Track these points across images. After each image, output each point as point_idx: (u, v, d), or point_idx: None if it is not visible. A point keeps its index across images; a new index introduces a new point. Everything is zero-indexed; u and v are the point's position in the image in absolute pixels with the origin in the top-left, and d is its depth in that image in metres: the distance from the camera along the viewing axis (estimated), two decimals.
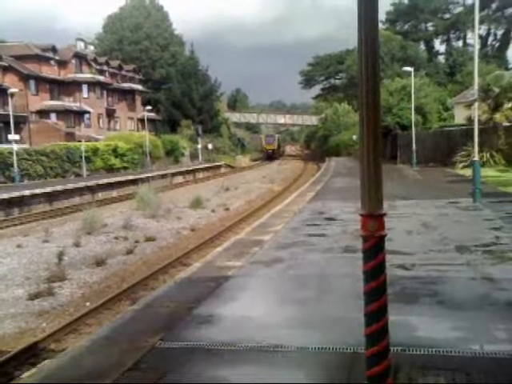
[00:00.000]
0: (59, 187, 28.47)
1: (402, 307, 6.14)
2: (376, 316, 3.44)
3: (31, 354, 7.56)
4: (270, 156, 76.98)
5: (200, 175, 49.11)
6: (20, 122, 47.02)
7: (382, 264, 3.44)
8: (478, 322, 5.72)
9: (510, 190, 18.92)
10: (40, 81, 51.85)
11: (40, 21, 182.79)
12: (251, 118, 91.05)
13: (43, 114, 51.69)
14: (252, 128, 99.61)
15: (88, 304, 9.98)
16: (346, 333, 5.42)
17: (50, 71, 53.58)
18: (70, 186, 29.57)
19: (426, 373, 4.43)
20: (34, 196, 26.03)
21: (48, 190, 27.32)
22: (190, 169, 49.79)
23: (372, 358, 3.47)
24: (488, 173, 24.54)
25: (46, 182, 34.67)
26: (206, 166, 55.09)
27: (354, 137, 56.95)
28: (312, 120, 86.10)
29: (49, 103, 52.50)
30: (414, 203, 16.52)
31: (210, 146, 64.24)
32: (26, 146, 42.61)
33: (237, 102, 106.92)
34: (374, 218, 3.41)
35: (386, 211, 3.46)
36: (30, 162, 36.82)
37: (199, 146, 61.20)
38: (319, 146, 77.28)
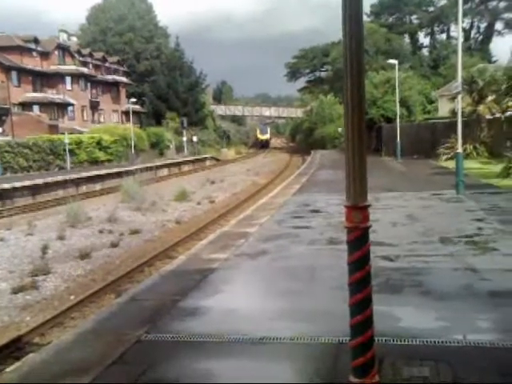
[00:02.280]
0: (42, 180, 28.19)
1: (387, 298, 6.20)
2: (361, 307, 3.47)
3: (15, 347, 7.50)
4: (264, 145, 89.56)
5: (185, 168, 48.92)
6: (2, 115, 46.39)
7: (366, 255, 3.46)
8: (461, 311, 5.79)
9: (493, 181, 19.12)
10: (22, 72, 51.08)
11: (24, 12, 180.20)
12: (236, 110, 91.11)
13: (26, 106, 50.97)
14: (237, 120, 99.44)
15: (72, 297, 9.92)
16: (332, 324, 5.45)
17: (32, 63, 52.83)
18: (54, 178, 29.28)
19: (410, 362, 4.48)
20: (16, 189, 25.75)
21: (31, 182, 27.03)
22: (175, 161, 49.55)
23: (357, 349, 3.50)
24: (471, 165, 24.79)
25: (29, 174, 34.31)
26: (192, 158, 54.87)
27: (340, 129, 57.14)
28: (297, 112, 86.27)
29: (31, 95, 51.78)
30: (398, 195, 16.64)
31: (195, 139, 63.96)
32: (8, 138, 42.07)
33: (222, 95, 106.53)
34: (358, 210, 3.43)
35: (370, 203, 3.48)
36: (12, 155, 36.41)
37: (184, 139, 60.91)
38: (304, 139, 77.42)
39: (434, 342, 4.92)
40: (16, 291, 10.22)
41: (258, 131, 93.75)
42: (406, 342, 4.93)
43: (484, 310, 5.78)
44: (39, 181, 27.85)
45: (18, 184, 26.06)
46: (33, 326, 8.23)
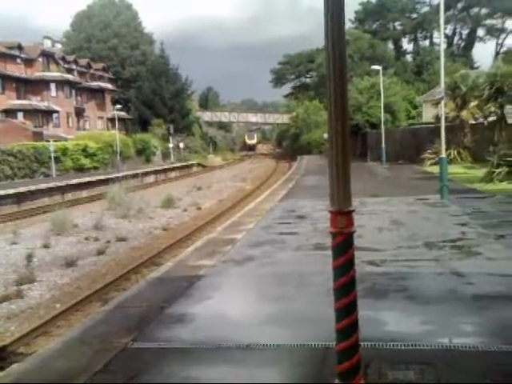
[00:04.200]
0: (27, 188, 27.94)
1: (372, 303, 6.23)
2: (346, 311, 3.50)
3: None
4: (251, 148, 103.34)
5: (172, 175, 48.80)
6: None
7: (351, 260, 3.49)
8: (446, 315, 5.83)
9: (476, 186, 19.34)
10: (6, 79, 50.67)
11: (8, 18, 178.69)
12: (223, 116, 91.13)
13: (10, 113, 50.52)
14: (224, 127, 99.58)
15: (58, 306, 9.84)
16: (318, 328, 5.46)
17: (16, 69, 52.44)
18: (39, 186, 29.04)
19: (396, 367, 4.50)
20: (1, 197, 25.47)
21: (16, 190, 26.77)
22: (162, 168, 49.42)
23: (343, 353, 3.53)
24: (455, 170, 25.04)
25: (13, 182, 33.97)
26: (178, 165, 54.76)
27: (325, 135, 57.39)
28: (283, 118, 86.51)
29: (15, 102, 51.35)
30: (383, 200, 16.74)
31: (181, 145, 63.87)
32: None
33: (208, 101, 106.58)
34: (342, 215, 3.46)
35: (356, 208, 3.52)
36: None
37: (171, 145, 60.78)
38: (291, 145, 77.71)
39: (420, 346, 4.96)
40: (0, 301, 10.11)
41: (246, 137, 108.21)
42: (392, 347, 4.96)
43: (468, 314, 5.84)
44: (24, 188, 27.59)
45: (2, 192, 25.79)
46: (17, 336, 8.14)
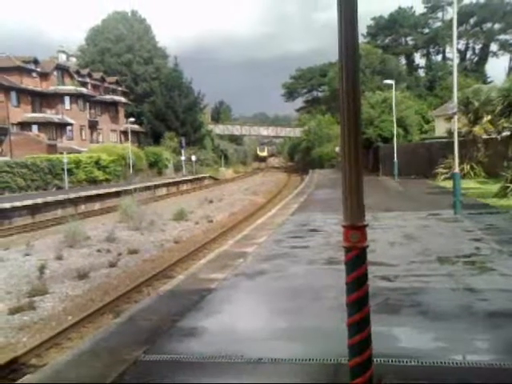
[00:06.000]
0: (41, 200, 28.16)
1: (385, 318, 6.18)
2: (359, 327, 3.47)
3: (11, 369, 7.44)
4: (262, 160, 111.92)
5: (184, 187, 48.96)
6: (1, 134, 46.52)
7: (364, 275, 3.48)
8: (459, 332, 5.78)
9: (490, 201, 19.17)
10: (21, 93, 51.38)
11: (24, 33, 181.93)
12: (234, 129, 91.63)
13: (24, 126, 51.17)
14: (235, 140, 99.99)
15: (70, 318, 9.87)
16: (330, 344, 5.43)
17: (31, 83, 53.19)
18: (52, 198, 29.26)
19: (409, 383, 4.46)
20: (14, 209, 25.71)
21: (29, 202, 27.00)
22: (174, 181, 49.59)
23: (355, 369, 3.50)
24: (468, 185, 24.86)
25: (27, 194, 34.28)
26: (190, 178, 54.93)
27: (337, 149, 57.36)
28: (295, 132, 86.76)
29: (30, 115, 52.02)
30: (396, 215, 16.66)
31: (193, 158, 64.12)
32: (6, 158, 42.14)
33: (220, 114, 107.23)
34: (356, 229, 3.46)
35: (368, 223, 3.51)
36: (10, 175, 36.42)
37: (183, 158, 61.04)
38: (302, 158, 77.77)
39: (433, 362, 4.90)
40: (13, 312, 10.16)
41: (258, 149, 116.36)
42: (405, 363, 4.91)
43: (482, 331, 5.77)
44: (38, 200, 27.81)
45: (16, 203, 26.01)
46: (29, 347, 8.17)
